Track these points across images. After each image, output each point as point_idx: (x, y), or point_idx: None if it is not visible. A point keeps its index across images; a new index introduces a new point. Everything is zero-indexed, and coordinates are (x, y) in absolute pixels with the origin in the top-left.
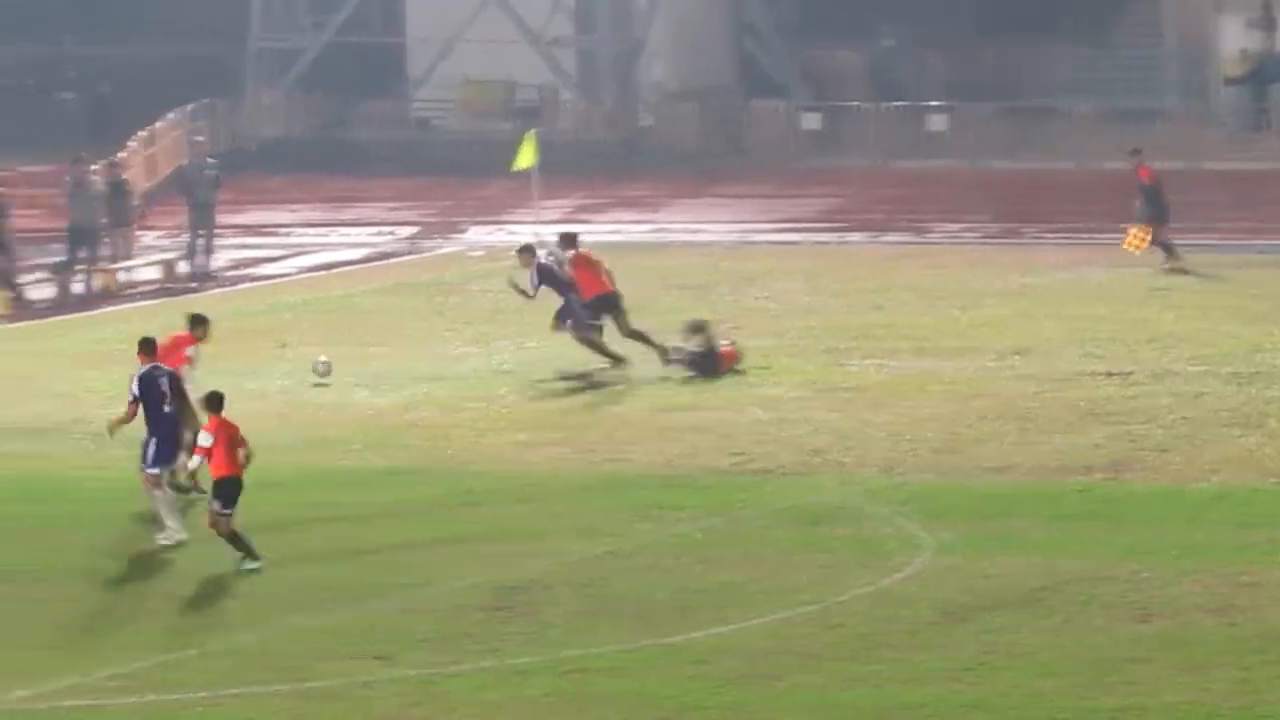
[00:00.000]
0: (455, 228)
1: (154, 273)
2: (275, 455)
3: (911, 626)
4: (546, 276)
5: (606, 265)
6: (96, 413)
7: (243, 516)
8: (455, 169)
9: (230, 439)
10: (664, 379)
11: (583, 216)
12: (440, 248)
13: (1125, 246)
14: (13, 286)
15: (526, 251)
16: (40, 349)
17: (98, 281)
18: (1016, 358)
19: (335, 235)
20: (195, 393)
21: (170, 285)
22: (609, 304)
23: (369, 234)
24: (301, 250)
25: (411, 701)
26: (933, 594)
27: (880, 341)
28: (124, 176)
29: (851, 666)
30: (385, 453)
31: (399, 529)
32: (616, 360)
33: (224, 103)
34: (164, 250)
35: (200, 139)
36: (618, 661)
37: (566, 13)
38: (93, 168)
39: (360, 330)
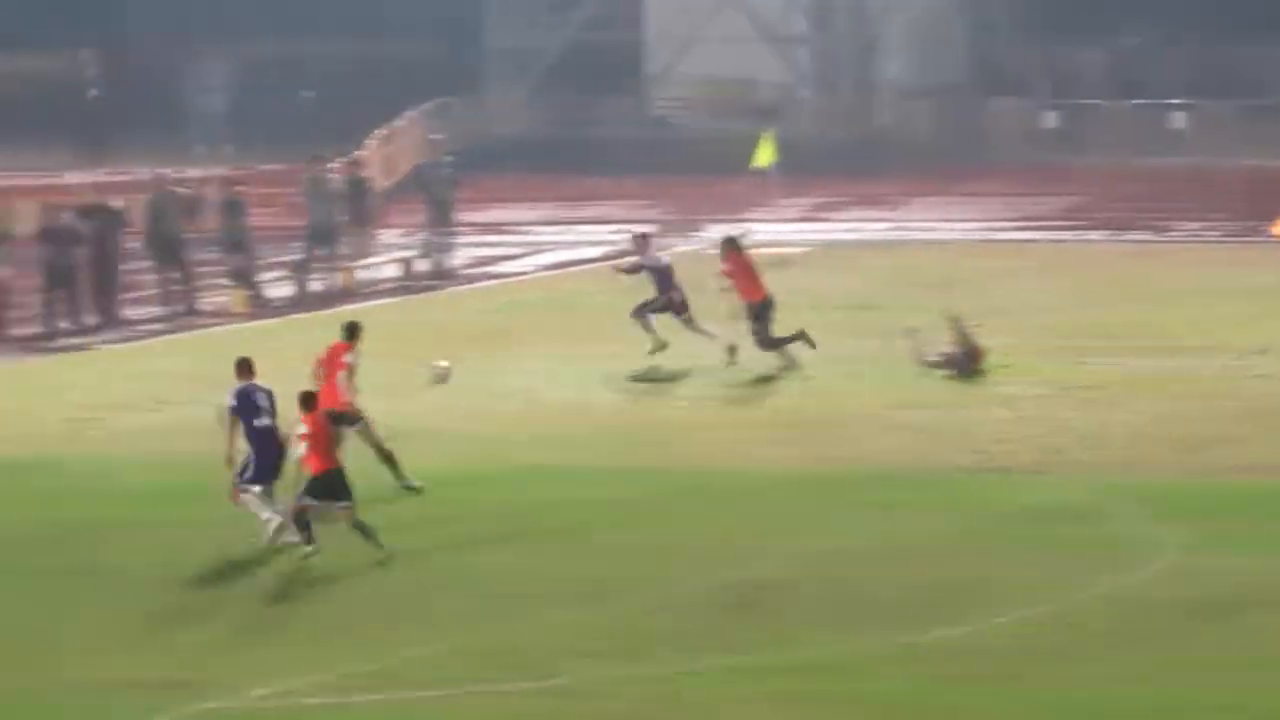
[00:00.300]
0: (693, 226)
1: (392, 271)
2: (514, 453)
3: (1152, 626)
4: (652, 267)
5: (760, 269)
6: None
7: (485, 512)
8: (693, 167)
9: (324, 435)
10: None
11: (820, 214)
12: (678, 245)
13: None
14: (251, 285)
15: (641, 239)
16: (278, 347)
17: (336, 280)
18: (1258, 356)
19: (573, 233)
20: (359, 398)
21: (409, 283)
22: (768, 308)
23: (607, 232)
24: (539, 248)
25: (655, 699)
26: (1173, 593)
27: (1120, 340)
28: (365, 175)
29: (1092, 666)
30: (622, 451)
31: (638, 527)
32: (789, 352)
33: (463, 101)
34: (402, 248)
35: (438, 137)
36: (858, 660)
37: (803, 11)
38: (330, 166)
39: (598, 328)
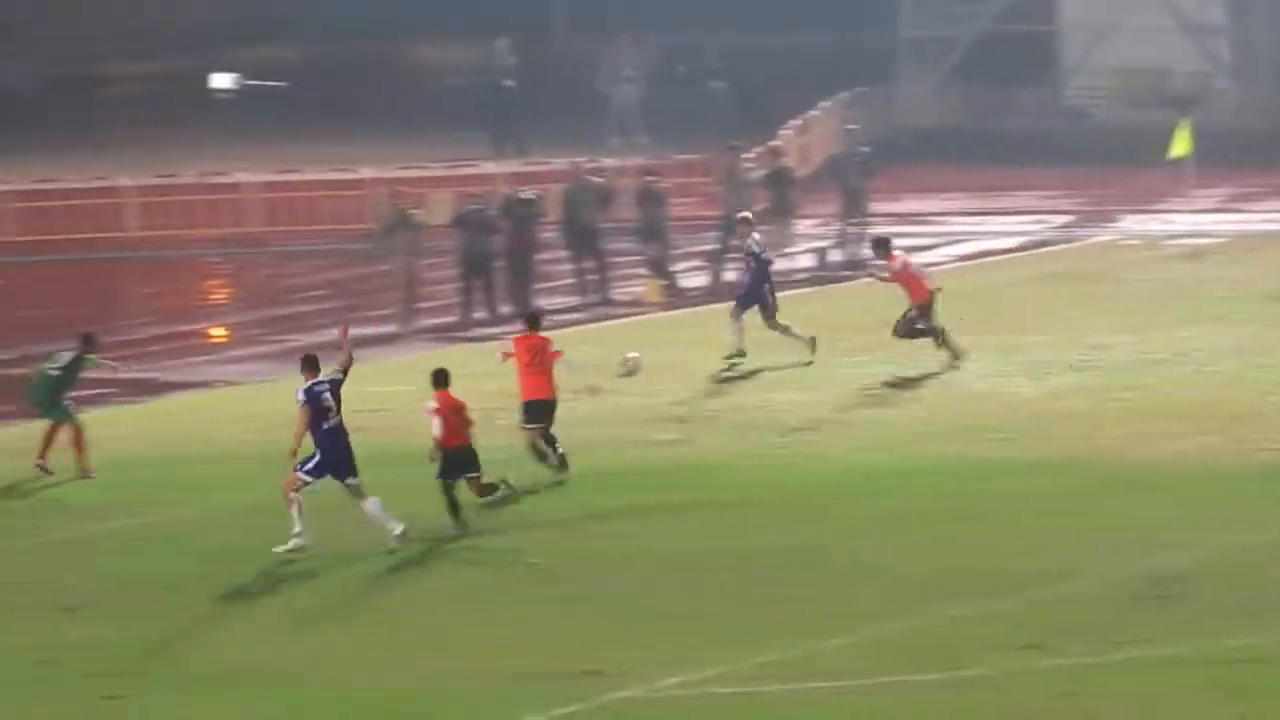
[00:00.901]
0: (1109, 217)
1: (807, 261)
2: (922, 444)
3: None
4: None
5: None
6: (744, 399)
7: (892, 503)
8: (1109, 158)
9: (452, 410)
10: None
11: (1237, 205)
12: (1093, 236)
13: None
14: (666, 275)
15: (744, 223)
16: (692, 337)
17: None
18: None
19: (987, 224)
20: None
21: (822, 273)
22: (929, 308)
23: (1021, 223)
24: (954, 239)
25: (1065, 691)
26: None
27: None
28: (787, 164)
29: None
30: (1031, 442)
31: (1049, 518)
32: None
33: (878, 91)
34: (816, 238)
35: (853, 127)
36: (1272, 652)
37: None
38: (744, 156)
39: (1010, 318)
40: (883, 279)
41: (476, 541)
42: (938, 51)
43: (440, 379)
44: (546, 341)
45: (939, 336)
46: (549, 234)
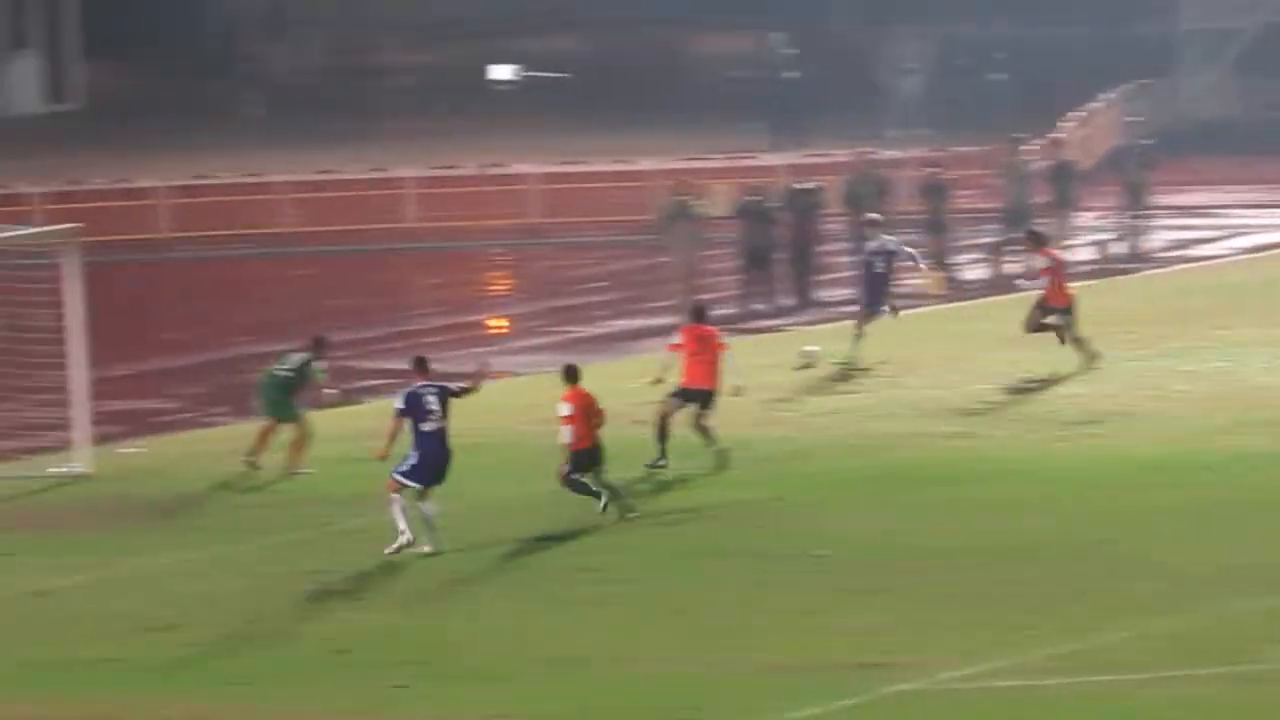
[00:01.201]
0: None
1: (1088, 253)
2: (1206, 438)
3: None
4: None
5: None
6: (1027, 393)
7: (1174, 496)
8: None
9: (586, 409)
10: None
11: None
12: None
13: None
14: (946, 267)
15: (873, 224)
16: (972, 330)
17: (1032, 262)
18: None
19: (1270, 217)
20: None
21: (1103, 266)
22: (1069, 312)
23: None
24: (1239, 231)
25: None
26: None
27: None
28: (1069, 157)
29: None
30: None
31: None
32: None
33: (1160, 83)
34: (1098, 231)
35: (1136, 119)
36: None
37: None
38: (1025, 148)
39: None
40: (1049, 319)
41: (761, 533)
42: (1220, 43)
43: (571, 374)
44: (714, 333)
45: (1065, 334)
46: (831, 225)
